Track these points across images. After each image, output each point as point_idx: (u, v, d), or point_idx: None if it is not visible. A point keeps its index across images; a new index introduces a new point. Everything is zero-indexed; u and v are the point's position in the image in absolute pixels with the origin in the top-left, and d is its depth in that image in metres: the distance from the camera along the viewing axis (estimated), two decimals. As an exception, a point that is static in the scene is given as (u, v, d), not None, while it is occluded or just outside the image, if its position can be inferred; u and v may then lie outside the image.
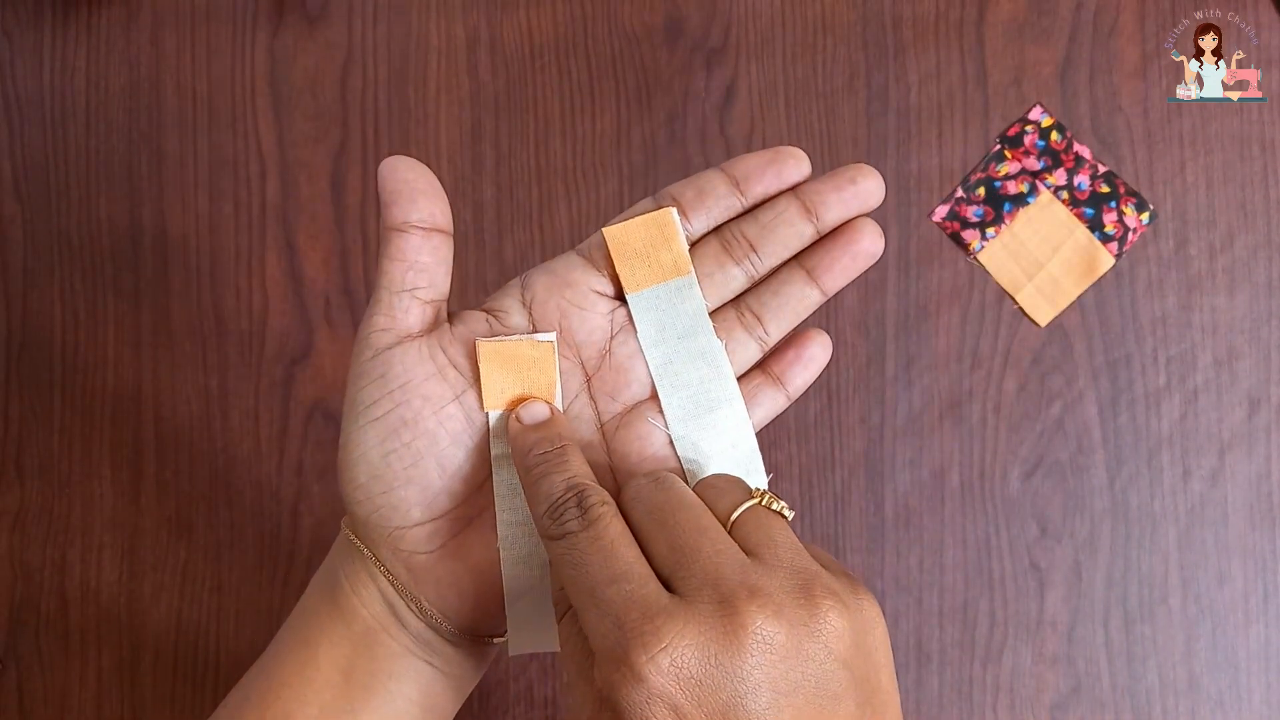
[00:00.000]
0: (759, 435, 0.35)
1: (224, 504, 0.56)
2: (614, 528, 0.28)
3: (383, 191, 0.33)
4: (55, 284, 0.57)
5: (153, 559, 0.55)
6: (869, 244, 0.34)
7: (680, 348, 0.34)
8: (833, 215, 0.34)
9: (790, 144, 0.57)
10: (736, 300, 0.35)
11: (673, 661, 0.25)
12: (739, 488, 0.31)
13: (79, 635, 0.55)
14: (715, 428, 0.34)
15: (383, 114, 0.57)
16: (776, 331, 0.35)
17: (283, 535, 0.55)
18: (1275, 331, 0.56)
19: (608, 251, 0.34)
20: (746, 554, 0.28)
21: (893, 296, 0.57)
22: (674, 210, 0.34)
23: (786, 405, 0.35)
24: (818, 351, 0.35)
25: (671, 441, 0.34)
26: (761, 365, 0.35)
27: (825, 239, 0.34)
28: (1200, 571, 0.55)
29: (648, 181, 0.57)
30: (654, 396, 0.34)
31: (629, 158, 0.57)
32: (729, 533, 0.29)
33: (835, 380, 0.56)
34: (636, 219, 0.34)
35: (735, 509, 0.29)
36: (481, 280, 0.57)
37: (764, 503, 0.30)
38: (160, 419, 0.56)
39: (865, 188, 0.34)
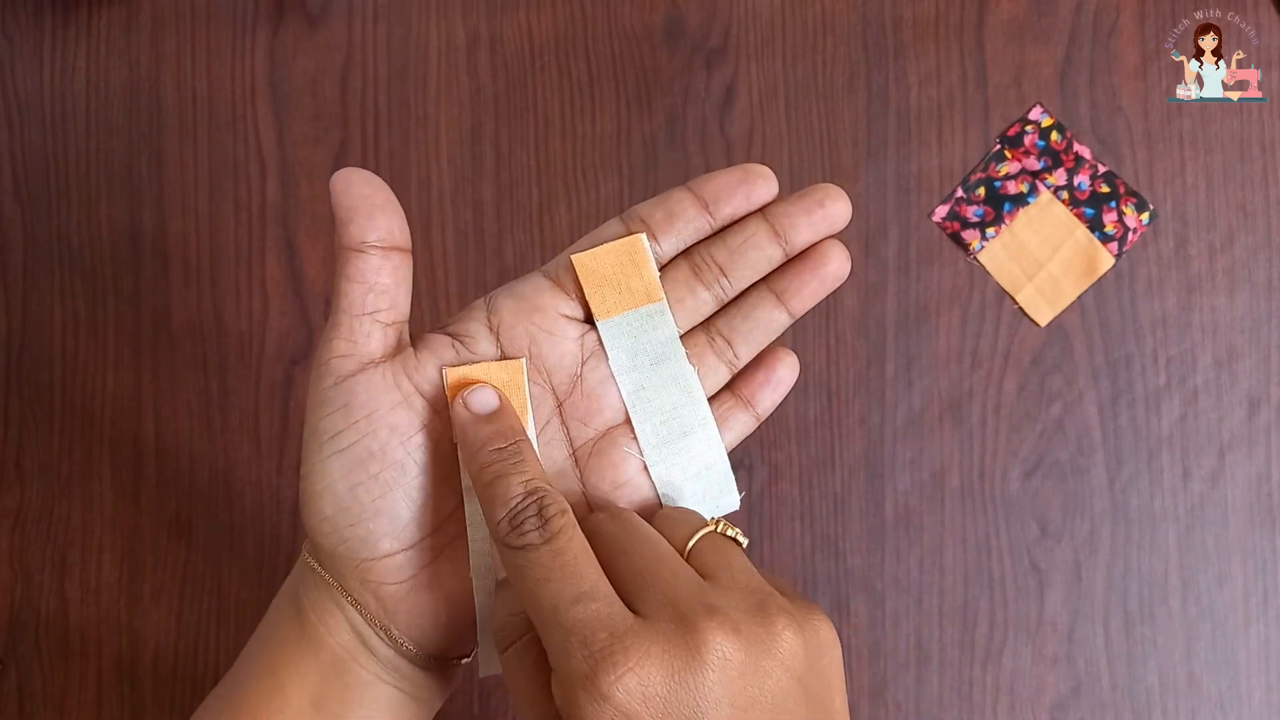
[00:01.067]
0: (738, 445, 0.35)
1: (224, 504, 0.56)
2: (576, 542, 0.29)
3: (337, 208, 0.32)
4: (55, 285, 0.57)
5: (153, 559, 0.55)
6: (836, 267, 0.34)
7: (652, 374, 0.34)
8: (801, 238, 0.34)
9: (790, 144, 0.57)
10: (706, 323, 0.35)
11: (639, 681, 0.26)
12: (694, 519, 0.31)
13: (79, 635, 0.55)
14: (689, 452, 0.34)
15: (383, 114, 0.57)
16: (746, 355, 0.35)
17: (283, 536, 0.55)
18: (1275, 331, 0.56)
19: (576, 275, 0.34)
20: (703, 578, 0.29)
21: (893, 297, 0.57)
22: (644, 236, 0.34)
23: (755, 426, 0.35)
24: (786, 373, 0.35)
25: (646, 468, 0.34)
26: (730, 387, 0.35)
27: (794, 262, 0.34)
28: (1200, 572, 0.55)
29: (648, 181, 0.57)
30: (627, 421, 0.34)
31: (629, 158, 0.57)
32: (687, 560, 0.29)
33: (835, 380, 0.56)
34: (606, 246, 0.34)
35: (691, 538, 0.30)
36: (481, 280, 0.57)
37: (719, 530, 0.31)
38: (160, 420, 0.56)
39: (833, 211, 0.34)
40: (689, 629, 0.26)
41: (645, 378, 0.34)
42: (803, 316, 0.56)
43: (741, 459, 0.56)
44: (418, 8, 0.58)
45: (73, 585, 0.55)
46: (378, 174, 0.58)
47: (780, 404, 0.56)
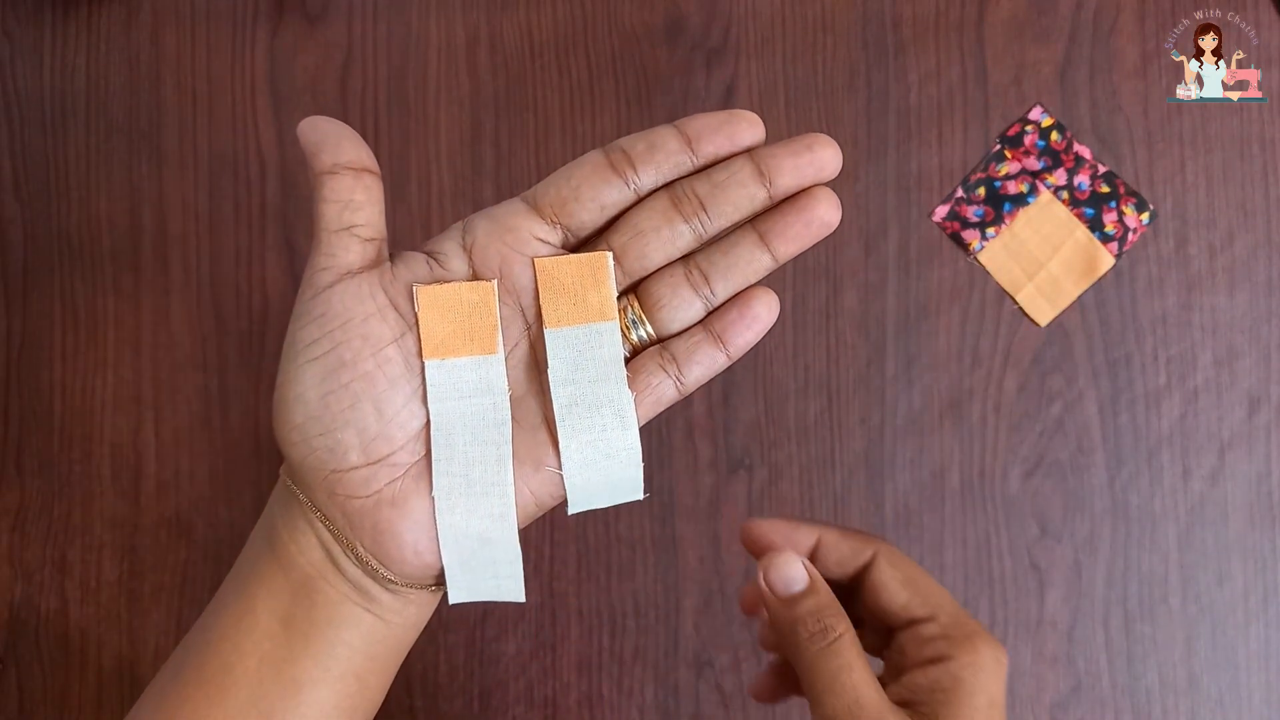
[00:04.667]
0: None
1: (224, 504, 0.56)
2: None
3: (305, 144, 0.33)
4: (55, 284, 0.57)
5: (153, 559, 0.55)
6: (824, 212, 0.33)
7: (589, 391, 0.33)
8: (787, 181, 0.33)
9: (790, 144, 0.57)
10: (686, 258, 0.34)
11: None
12: None
13: (79, 635, 0.55)
14: (610, 475, 0.34)
15: (383, 114, 0.57)
16: (724, 293, 0.34)
17: (283, 535, 0.55)
18: (1275, 331, 0.56)
19: (554, 199, 0.34)
20: None
21: (893, 296, 0.57)
22: (609, 255, 0.33)
23: (726, 365, 0.34)
24: (762, 311, 0.34)
25: (564, 485, 0.34)
26: (703, 322, 0.34)
27: (782, 204, 0.33)
28: (1200, 571, 0.55)
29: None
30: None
31: (629, 157, 0.57)
32: None
33: (835, 380, 0.56)
34: (571, 257, 0.34)
35: None
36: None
37: None
38: (160, 419, 0.56)
39: (821, 156, 0.33)
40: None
41: (581, 393, 0.33)
42: (803, 315, 0.57)
43: (741, 459, 0.56)
44: (417, 6, 0.58)
45: (72, 584, 0.55)
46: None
47: (780, 403, 0.56)
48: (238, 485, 0.56)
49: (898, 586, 0.36)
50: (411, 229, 0.57)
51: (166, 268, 0.57)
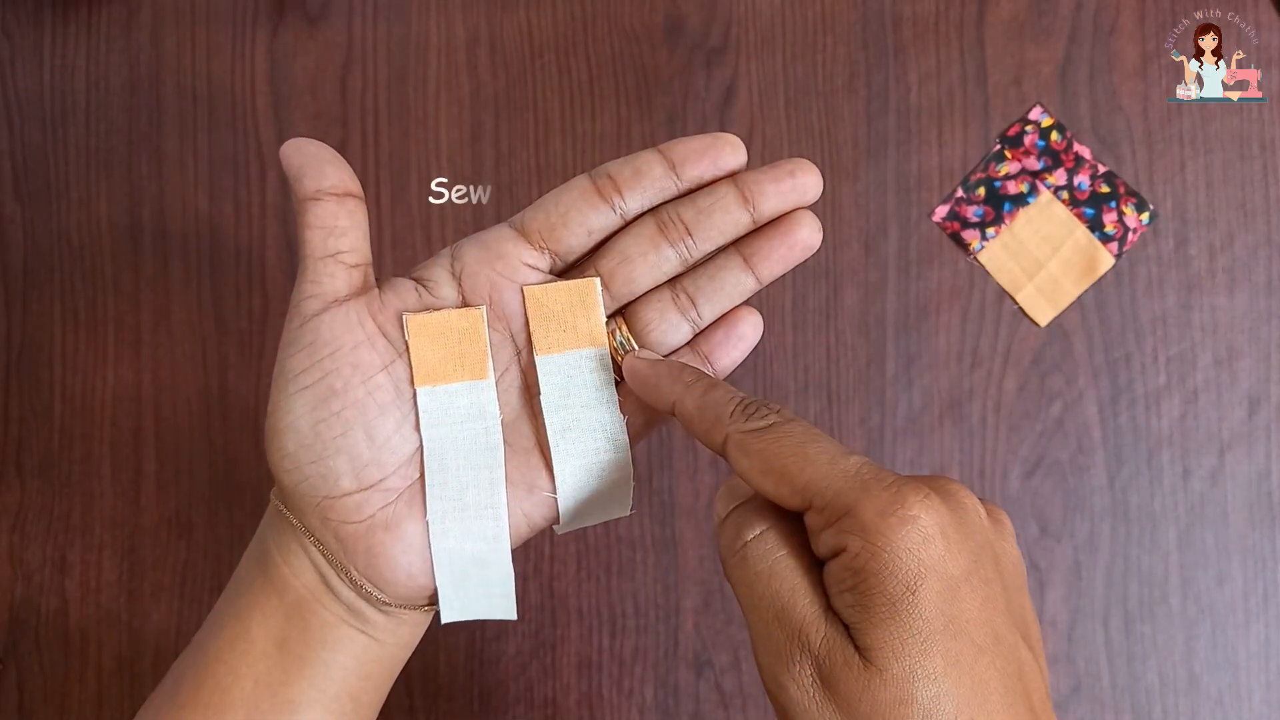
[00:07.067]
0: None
1: (224, 504, 0.56)
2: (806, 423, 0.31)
3: (289, 168, 0.33)
4: (55, 284, 0.57)
5: (153, 559, 0.55)
6: (807, 236, 0.34)
7: (581, 416, 0.34)
8: (770, 206, 0.34)
9: (790, 143, 0.57)
10: (672, 282, 0.35)
11: (934, 508, 0.27)
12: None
13: (79, 635, 0.55)
14: (603, 498, 0.34)
15: (383, 114, 0.57)
16: (710, 315, 0.35)
17: (283, 535, 0.55)
18: (1275, 331, 0.56)
19: (542, 225, 0.34)
20: None
21: (893, 296, 0.57)
22: (598, 280, 0.34)
23: None
24: (748, 330, 0.35)
25: (558, 506, 0.34)
26: (690, 343, 0.35)
27: (765, 228, 0.34)
28: (1200, 571, 0.55)
29: (648, 181, 0.57)
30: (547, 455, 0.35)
31: (629, 157, 0.57)
32: None
33: (835, 380, 0.56)
34: (561, 284, 0.34)
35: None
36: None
37: None
38: (160, 419, 0.56)
39: (803, 182, 0.34)
40: (942, 484, 0.28)
41: (574, 418, 0.34)
42: (803, 315, 0.57)
43: (741, 458, 0.56)
44: (417, 7, 0.58)
45: (73, 584, 0.55)
46: (378, 174, 0.59)
47: (780, 403, 0.56)
48: (238, 485, 0.56)
49: (758, 479, 0.29)
50: (411, 229, 0.57)
51: (166, 267, 0.57)
